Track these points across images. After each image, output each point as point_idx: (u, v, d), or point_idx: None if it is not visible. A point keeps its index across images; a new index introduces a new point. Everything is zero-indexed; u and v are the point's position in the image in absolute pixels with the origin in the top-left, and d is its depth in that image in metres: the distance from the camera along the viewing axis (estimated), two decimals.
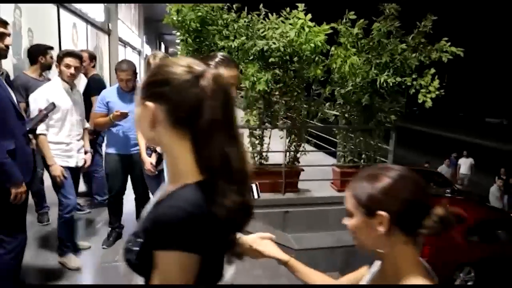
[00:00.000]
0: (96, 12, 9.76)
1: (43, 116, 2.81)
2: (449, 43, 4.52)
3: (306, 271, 1.35)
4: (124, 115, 3.14)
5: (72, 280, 3.04)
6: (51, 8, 6.92)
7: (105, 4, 10.64)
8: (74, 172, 3.17)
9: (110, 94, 3.39)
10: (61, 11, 7.31)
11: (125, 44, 13.31)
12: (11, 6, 5.48)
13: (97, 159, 4.08)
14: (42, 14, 6.57)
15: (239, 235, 1.46)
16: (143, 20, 17.77)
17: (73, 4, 7.85)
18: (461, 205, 7.72)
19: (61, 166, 2.97)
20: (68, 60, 3.01)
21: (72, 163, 3.09)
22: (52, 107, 2.87)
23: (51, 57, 3.72)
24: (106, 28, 10.95)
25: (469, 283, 6.70)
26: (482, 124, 37.98)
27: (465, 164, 12.20)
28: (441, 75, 4.62)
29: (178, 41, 4.30)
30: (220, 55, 1.78)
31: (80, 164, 3.19)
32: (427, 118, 36.33)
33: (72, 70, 3.02)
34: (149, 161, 3.04)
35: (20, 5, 5.67)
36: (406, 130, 29.36)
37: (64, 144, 3.05)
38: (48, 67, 3.77)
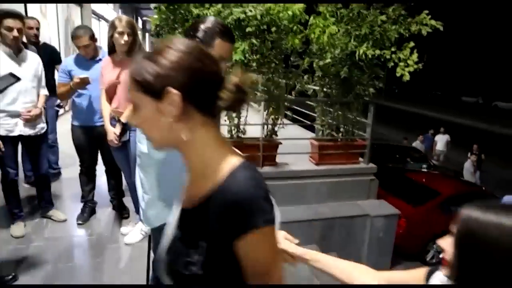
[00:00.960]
0: None
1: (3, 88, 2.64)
2: (429, 17, 4.47)
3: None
4: (84, 81, 3.00)
5: (36, 250, 2.95)
6: None
7: None
8: (28, 141, 3.07)
9: (70, 62, 3.25)
10: None
11: (99, 17, 12.78)
12: None
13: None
14: None
15: None
16: None
17: None
18: (436, 180, 7.92)
19: (5, 136, 2.87)
20: (9, 22, 2.79)
21: (15, 132, 2.97)
22: (14, 80, 2.69)
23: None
24: None
25: (441, 255, 6.92)
26: (458, 103, 38.72)
27: (441, 141, 12.43)
28: (421, 53, 4.58)
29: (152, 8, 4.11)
30: (217, 22, 1.61)
31: (32, 132, 3.06)
32: (406, 96, 36.83)
33: (15, 33, 2.82)
34: (112, 131, 2.92)
35: None
36: (385, 108, 29.82)
37: (5, 112, 2.89)
38: None
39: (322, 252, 5.11)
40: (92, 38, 3.18)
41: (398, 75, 4.58)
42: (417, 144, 12.10)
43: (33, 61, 3.09)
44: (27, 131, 3.06)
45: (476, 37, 47.34)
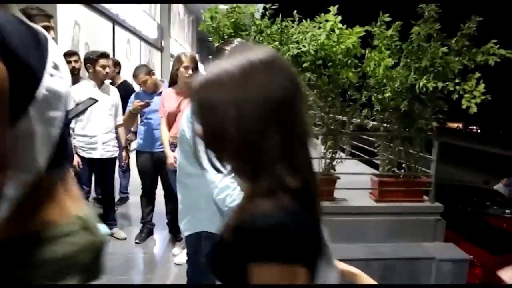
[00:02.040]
0: (150, 29, 10.40)
1: (83, 110, 3.07)
2: (497, 46, 4.26)
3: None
4: (144, 105, 3.34)
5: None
6: (107, 24, 7.48)
7: (159, 22, 11.31)
8: (100, 163, 3.43)
9: (136, 95, 3.66)
10: (116, 27, 7.88)
11: None
12: (72, 21, 6.03)
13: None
14: (98, 30, 7.14)
15: None
16: (196, 39, 18.59)
17: (127, 22, 8.43)
18: None
19: (84, 157, 3.27)
20: (104, 62, 3.31)
21: (96, 155, 3.39)
22: (93, 101, 3.15)
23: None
24: (159, 45, 11.62)
25: None
26: None
27: None
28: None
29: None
30: (237, 41, 1.78)
31: (106, 156, 3.45)
32: (489, 138, 34.01)
33: (107, 70, 3.33)
34: (171, 156, 3.17)
35: (79, 21, 6.22)
36: (465, 149, 27.79)
37: (88, 137, 3.34)
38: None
39: None
40: (149, 73, 3.62)
41: (463, 107, 4.36)
42: (499, 187, 11.02)
43: (112, 94, 3.59)
44: (104, 155, 3.48)
45: None
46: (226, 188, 1.55)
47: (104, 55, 3.42)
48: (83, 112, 3.17)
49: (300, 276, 0.79)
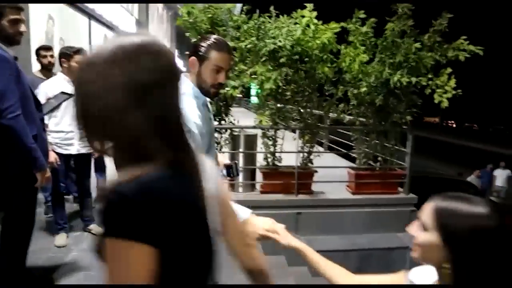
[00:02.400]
0: (127, 25, 10.25)
1: (56, 105, 3.04)
2: (467, 42, 4.41)
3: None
4: None
5: (73, 258, 3.23)
6: (83, 19, 7.35)
7: (137, 17, 11.17)
8: (77, 159, 3.42)
9: None
10: (92, 22, 7.75)
11: None
12: (45, 15, 5.89)
13: None
14: (73, 25, 7.00)
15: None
16: (175, 35, 18.38)
17: (104, 17, 8.30)
18: None
19: (60, 154, 3.23)
20: (79, 57, 3.27)
21: (73, 151, 3.36)
22: (66, 96, 3.11)
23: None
24: None
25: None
26: None
27: (501, 176, 11.65)
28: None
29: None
30: (213, 37, 1.81)
31: (83, 151, 3.43)
32: (464, 132, 35.02)
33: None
34: None
35: (53, 15, 6.09)
36: (441, 143, 28.56)
37: (64, 132, 3.30)
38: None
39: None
40: None
41: (436, 101, 4.51)
42: (472, 179, 11.41)
43: None
44: (81, 150, 3.45)
45: None
46: None
47: (80, 51, 3.39)
48: (57, 107, 3.13)
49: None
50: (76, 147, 3.43)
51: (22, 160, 2.34)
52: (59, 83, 3.35)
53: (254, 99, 13.57)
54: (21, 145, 2.28)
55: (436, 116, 39.75)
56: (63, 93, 3.15)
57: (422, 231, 0.99)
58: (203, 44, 1.76)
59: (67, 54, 3.40)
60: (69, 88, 3.36)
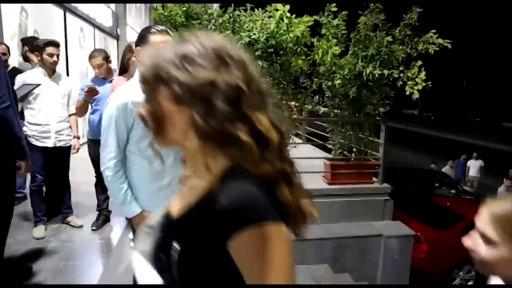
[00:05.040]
0: (104, 17, 10.08)
1: (26, 92, 3.05)
2: (436, 35, 4.56)
3: None
4: (92, 90, 3.32)
5: (52, 249, 3.25)
6: (58, 11, 7.21)
7: (114, 10, 11.00)
8: (54, 152, 3.43)
9: (87, 81, 3.61)
10: (68, 15, 7.60)
11: None
12: (17, 7, 5.76)
13: None
14: (48, 17, 6.86)
15: None
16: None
17: (79, 9, 8.15)
18: (462, 204, 7.66)
19: (37, 146, 3.23)
20: (51, 50, 3.24)
21: (49, 144, 3.35)
22: (31, 86, 3.13)
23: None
24: (115, 33, 11.29)
25: (469, 283, 6.59)
26: (497, 129, 37.07)
27: (474, 166, 11.99)
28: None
29: None
30: (153, 27, 1.95)
31: (60, 144, 3.43)
32: (442, 123, 35.86)
33: (55, 58, 3.27)
34: None
35: (26, 7, 5.96)
36: (417, 135, 29.20)
37: (40, 125, 3.30)
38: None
39: (334, 272, 5.10)
40: (106, 59, 3.58)
41: (407, 93, 4.65)
42: (446, 169, 11.74)
43: (64, 83, 3.53)
44: (58, 143, 3.45)
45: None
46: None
47: (52, 43, 3.35)
48: (26, 95, 3.13)
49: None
50: (53, 140, 3.42)
51: (5, 149, 2.39)
52: (36, 77, 3.33)
53: None
54: (10, 134, 2.34)
55: (415, 108, 40.54)
56: (27, 84, 3.16)
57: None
58: (145, 32, 1.89)
59: (39, 46, 3.38)
60: (45, 82, 3.34)
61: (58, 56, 3.38)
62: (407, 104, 38.19)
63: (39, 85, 3.26)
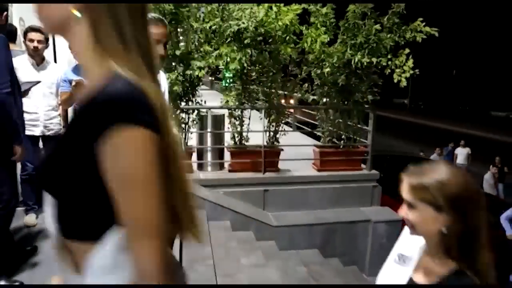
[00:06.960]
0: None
1: (26, 89, 3.06)
2: (423, 24, 4.60)
3: None
4: (80, 84, 3.29)
5: (42, 235, 3.31)
6: None
7: None
8: (43, 140, 3.47)
9: (69, 72, 3.53)
10: None
11: None
12: None
13: None
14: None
15: None
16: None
17: None
18: None
19: (25, 135, 3.23)
20: (31, 35, 3.22)
21: (37, 132, 3.36)
22: (34, 82, 3.12)
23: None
24: None
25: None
26: (486, 117, 37.59)
27: (462, 154, 12.19)
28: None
29: None
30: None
31: (49, 133, 3.43)
32: (432, 112, 36.25)
33: (35, 44, 3.24)
34: None
35: None
36: (407, 123, 29.49)
37: (28, 113, 3.29)
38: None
39: (324, 257, 5.19)
40: None
41: (395, 81, 4.71)
42: (435, 157, 11.92)
43: (51, 71, 3.50)
44: (46, 132, 3.45)
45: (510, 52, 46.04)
46: None
47: (31, 28, 3.32)
48: (25, 92, 3.13)
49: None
50: (41, 128, 3.43)
51: (2, 132, 2.44)
52: (22, 64, 3.30)
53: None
54: (7, 118, 2.39)
55: (405, 98, 40.86)
56: (27, 82, 3.15)
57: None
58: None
59: (24, 33, 3.36)
60: (31, 70, 3.31)
61: (40, 41, 3.33)
62: (397, 93, 38.50)
63: (39, 82, 3.25)
